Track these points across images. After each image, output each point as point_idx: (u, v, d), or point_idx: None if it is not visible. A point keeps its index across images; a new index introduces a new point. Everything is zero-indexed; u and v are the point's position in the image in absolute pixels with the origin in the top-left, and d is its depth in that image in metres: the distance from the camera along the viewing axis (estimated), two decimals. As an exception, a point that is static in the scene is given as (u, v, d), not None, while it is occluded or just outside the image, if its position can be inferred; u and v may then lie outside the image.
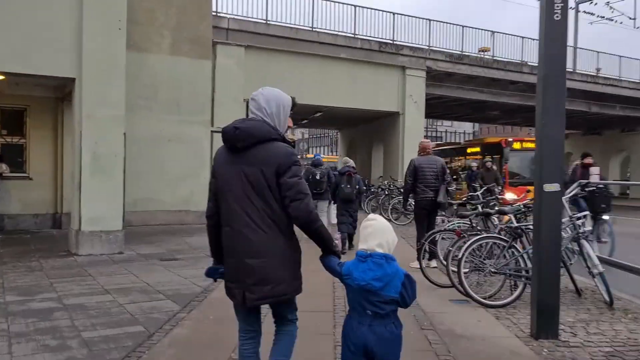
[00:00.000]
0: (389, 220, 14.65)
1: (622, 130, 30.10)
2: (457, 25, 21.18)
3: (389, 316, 2.57)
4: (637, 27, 31.61)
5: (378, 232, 2.63)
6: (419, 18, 20.28)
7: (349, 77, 18.73)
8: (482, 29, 22.03)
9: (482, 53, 21.93)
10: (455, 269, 5.88)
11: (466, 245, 5.67)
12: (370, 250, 2.58)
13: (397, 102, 19.73)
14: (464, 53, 21.21)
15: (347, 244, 9.42)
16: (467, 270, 5.79)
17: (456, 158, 24.74)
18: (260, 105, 2.86)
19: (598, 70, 24.91)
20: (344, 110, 20.01)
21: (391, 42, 19.54)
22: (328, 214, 10.86)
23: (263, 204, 2.67)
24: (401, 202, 14.58)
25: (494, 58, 22.00)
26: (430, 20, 20.46)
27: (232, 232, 2.73)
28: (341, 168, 10.23)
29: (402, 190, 15.74)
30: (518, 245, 5.87)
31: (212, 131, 14.85)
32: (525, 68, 22.55)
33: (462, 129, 77.53)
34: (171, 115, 12.86)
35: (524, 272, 5.63)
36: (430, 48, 20.28)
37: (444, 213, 8.83)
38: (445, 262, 7.49)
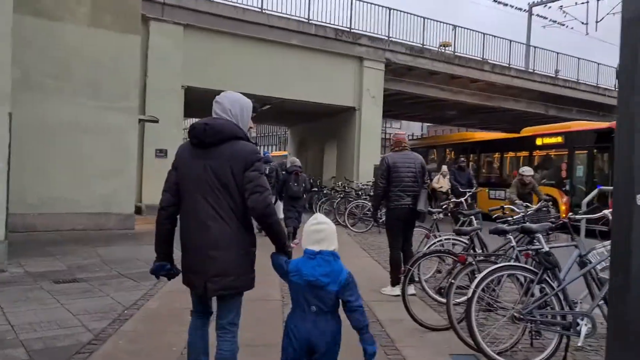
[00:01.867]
0: (345, 226, 12.95)
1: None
2: (419, 16, 19.78)
3: (331, 312, 2.71)
4: (587, 34, 31.46)
5: (330, 237, 2.83)
6: (379, 6, 18.72)
7: (301, 67, 16.94)
8: (444, 22, 20.73)
9: (443, 48, 20.62)
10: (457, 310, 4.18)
11: (479, 278, 3.93)
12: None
13: (353, 97, 18.09)
14: (425, 47, 19.80)
15: (291, 237, 9.27)
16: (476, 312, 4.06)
17: (513, 153, 18.15)
18: (225, 107, 2.99)
19: (557, 72, 24.15)
20: (295, 104, 18.18)
21: (348, 30, 17.90)
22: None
23: (228, 198, 2.82)
24: (359, 206, 12.96)
25: (456, 54, 20.73)
26: (390, 9, 18.95)
27: (196, 224, 2.83)
28: (289, 167, 10.41)
29: (359, 193, 14.14)
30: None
31: (141, 120, 12.67)
32: (487, 66, 21.44)
33: (410, 131, 77.15)
34: (89, 100, 10.63)
35: (560, 319, 3.95)
36: (390, 39, 18.77)
37: (423, 225, 7.15)
38: (431, 292, 5.89)
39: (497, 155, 18.97)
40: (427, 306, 5.77)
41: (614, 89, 26.11)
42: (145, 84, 14.14)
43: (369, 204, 12.56)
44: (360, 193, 13.86)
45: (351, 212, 12.74)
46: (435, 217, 7.32)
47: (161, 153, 14.52)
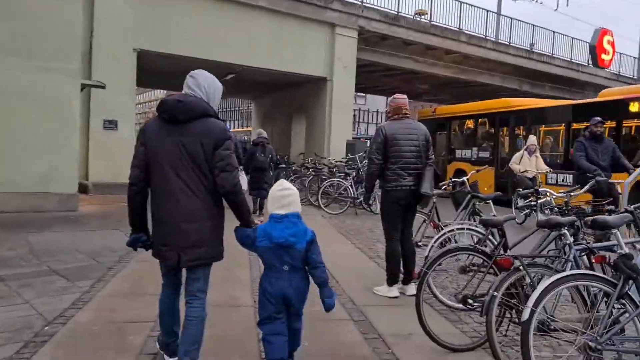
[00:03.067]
0: (317, 207, 11.75)
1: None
2: (394, -19, 18.44)
3: (302, 269, 2.98)
4: (557, 10, 30.84)
5: (295, 201, 3.02)
6: (352, -33, 17.29)
7: (269, 32, 15.48)
8: (420, -12, 19.45)
9: (419, 16, 19.42)
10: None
11: (539, 293, 2.75)
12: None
13: (324, 66, 16.76)
14: (400, 14, 18.54)
15: (258, 211, 9.55)
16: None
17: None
18: (199, 83, 3.01)
19: (532, 45, 23.34)
20: (261, 73, 16.73)
21: (319, -8, 16.47)
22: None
23: (199, 172, 2.90)
24: (333, 185, 11.76)
25: (432, 23, 19.57)
26: (364, -29, 17.57)
27: (168, 198, 2.91)
28: (255, 139, 10.47)
29: (332, 170, 12.92)
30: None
31: (85, 85, 11.05)
32: (463, 37, 20.39)
33: (374, 107, 76.06)
34: (16, 59, 8.98)
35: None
36: (364, 4, 17.41)
37: (420, 210, 6.01)
38: (445, 298, 4.75)
39: (561, 127, 14.30)
40: (436, 312, 4.64)
41: (587, 64, 25.61)
42: (91, 45, 12.45)
43: (345, 182, 11.38)
44: (334, 170, 12.63)
45: (325, 192, 11.52)
46: (434, 200, 6.15)
47: (110, 124, 12.92)
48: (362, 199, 5.19)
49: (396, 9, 18.42)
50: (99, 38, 12.57)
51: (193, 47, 14.16)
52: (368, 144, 16.36)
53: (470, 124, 17.57)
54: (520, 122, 15.42)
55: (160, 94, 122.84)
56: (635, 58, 28.86)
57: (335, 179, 11.59)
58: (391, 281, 5.07)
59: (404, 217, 5.13)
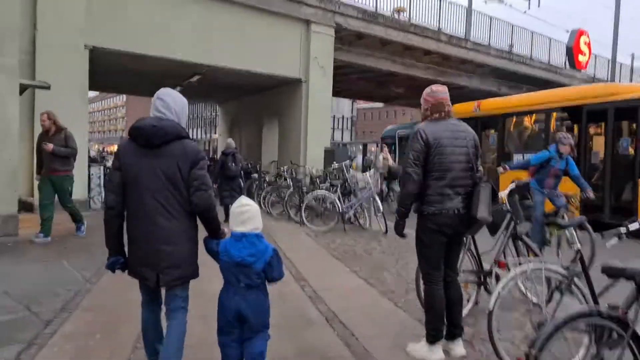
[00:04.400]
0: (299, 223, 10.38)
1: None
2: (372, -24, 17.26)
3: (258, 287, 2.98)
4: (525, 12, 30.33)
5: (255, 217, 2.99)
6: (328, -40, 16.00)
7: (238, 29, 14.05)
8: (398, -16, 18.34)
9: (397, 13, 18.30)
10: None
11: None
12: (246, 231, 2.94)
13: (299, 66, 15.42)
14: (378, 12, 17.37)
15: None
16: None
17: None
18: (169, 105, 3.04)
19: (511, 46, 22.55)
20: (229, 74, 15.25)
21: (293, -14, 15.12)
22: None
23: (178, 195, 2.95)
24: (318, 199, 10.41)
25: (411, 22, 18.46)
26: (340, -35, 16.31)
27: (146, 220, 2.94)
28: (225, 149, 10.93)
29: (314, 181, 11.55)
30: None
31: (29, 86, 9.42)
32: (443, 36, 19.39)
33: (339, 113, 75.15)
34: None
35: None
36: (341, 1, 16.13)
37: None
38: None
39: None
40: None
41: (563, 67, 25.04)
42: (34, 38, 10.77)
43: (332, 195, 10.02)
44: (316, 181, 11.25)
45: (308, 206, 10.15)
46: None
47: (59, 132, 11.22)
48: (395, 229, 3.71)
49: (374, 6, 17.21)
50: (44, 32, 10.90)
51: (154, 45, 12.61)
52: (349, 152, 15.06)
53: (538, 120, 13.56)
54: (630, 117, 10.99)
55: (120, 100, 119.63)
56: (609, 60, 28.54)
57: (321, 191, 10.22)
58: (433, 338, 3.73)
59: (448, 251, 3.81)
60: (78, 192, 11.42)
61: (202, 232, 3.16)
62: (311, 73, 15.36)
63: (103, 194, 12.54)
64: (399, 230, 3.84)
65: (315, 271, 6.53)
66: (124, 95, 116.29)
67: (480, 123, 13.84)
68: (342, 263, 7.07)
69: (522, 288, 4.70)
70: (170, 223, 2.95)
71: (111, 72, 16.02)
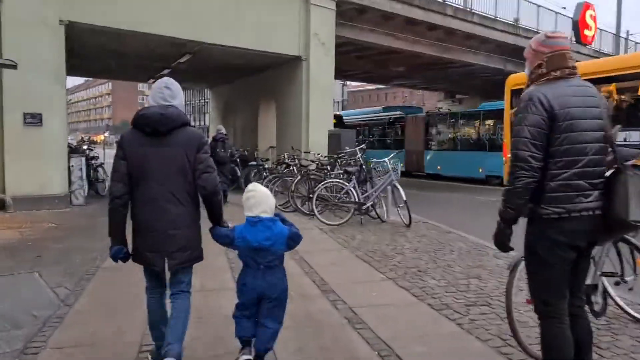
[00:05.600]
0: (310, 215, 9.23)
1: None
2: (373, -56, 15.88)
3: (277, 267, 3.10)
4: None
5: (261, 201, 3.04)
6: None
7: (231, 2, 12.71)
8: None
9: (401, -15, 16.97)
10: None
11: None
12: (257, 216, 3.01)
13: (298, 43, 14.11)
14: (381, -17, 16.06)
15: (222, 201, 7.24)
16: None
17: None
18: (174, 94, 3.11)
19: (517, 20, 21.32)
20: (223, 52, 13.92)
21: (290, -46, 13.78)
22: None
23: (183, 181, 3.02)
24: (329, 188, 9.24)
25: (415, -7, 17.16)
26: None
27: (154, 208, 2.99)
28: (215, 135, 11.48)
29: (325, 168, 10.33)
30: None
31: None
32: (449, 9, 18.12)
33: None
34: None
35: None
36: (342, -30, 14.80)
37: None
38: None
39: None
40: None
41: (570, 40, 23.86)
42: (-1, 12, 9.44)
43: (348, 184, 8.82)
44: (326, 168, 10.02)
45: (320, 196, 8.96)
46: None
47: (33, 119, 9.92)
48: (497, 241, 2.49)
49: (377, -24, 15.90)
50: (11, 4, 9.53)
51: (140, 21, 11.26)
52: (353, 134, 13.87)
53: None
54: None
55: (106, 87, 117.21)
56: (613, 35, 27.46)
57: (335, 180, 9.02)
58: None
59: (575, 270, 2.64)
60: (57, 186, 10.17)
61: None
62: (312, 50, 14.07)
63: (86, 187, 11.28)
64: (504, 242, 2.66)
65: (344, 280, 5.37)
66: (110, 83, 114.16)
67: None
68: (372, 267, 5.91)
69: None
70: (178, 208, 3.01)
71: (92, 53, 14.61)
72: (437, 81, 27.77)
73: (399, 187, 8.60)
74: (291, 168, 11.21)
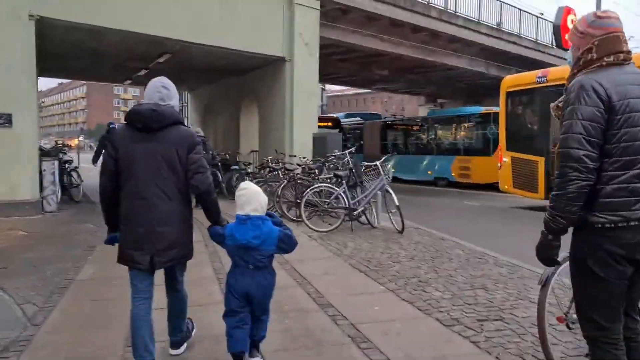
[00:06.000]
0: (297, 221, 8.82)
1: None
2: (357, -57, 15.58)
3: (266, 267, 3.08)
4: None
5: (252, 199, 3.03)
6: None
7: (214, 0, 12.25)
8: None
9: (386, -13, 16.70)
10: None
11: None
12: (247, 214, 3.00)
13: (282, 44, 13.70)
14: (365, -17, 15.75)
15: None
16: None
17: None
18: (171, 94, 3.17)
19: (499, 24, 21.25)
20: (203, 52, 13.46)
21: (273, -47, 13.37)
22: None
23: (174, 178, 3.03)
24: (317, 192, 8.86)
25: (400, -5, 16.90)
26: None
27: (143, 203, 2.99)
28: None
29: (313, 172, 9.91)
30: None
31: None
32: (433, 12, 17.92)
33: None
34: None
35: None
36: (325, -31, 14.45)
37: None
38: None
39: None
40: None
41: (551, 45, 23.92)
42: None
43: (337, 189, 8.43)
44: (314, 172, 9.61)
45: (308, 202, 8.54)
46: None
47: (2, 119, 9.32)
48: (542, 255, 2.12)
49: (361, -23, 15.59)
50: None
51: (116, 17, 10.74)
52: (336, 137, 13.49)
53: None
54: None
55: (81, 91, 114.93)
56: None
57: (324, 185, 8.62)
58: None
59: (630, 287, 2.27)
60: (27, 192, 9.57)
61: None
62: (296, 51, 13.67)
63: (59, 193, 10.70)
64: (550, 256, 2.29)
65: (341, 291, 4.97)
66: (84, 86, 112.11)
67: (548, 96, 10.58)
68: (369, 277, 5.51)
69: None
70: (167, 205, 3.00)
71: (67, 52, 13.97)
72: (419, 85, 27.57)
73: (391, 191, 8.25)
74: (276, 172, 10.79)
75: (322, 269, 5.87)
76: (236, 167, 13.46)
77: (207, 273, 5.61)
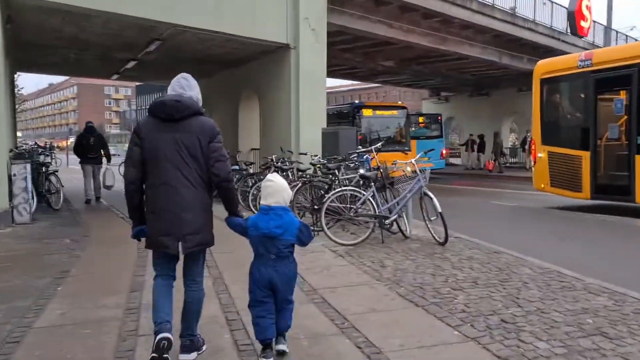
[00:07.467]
0: (316, 230, 7.37)
1: (519, 89, 25.85)
2: None
3: (287, 257, 3.19)
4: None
5: (276, 193, 3.18)
6: None
7: (208, -22, 10.78)
8: None
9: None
10: None
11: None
12: (272, 204, 3.14)
13: (286, 29, 12.22)
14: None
15: None
16: None
17: None
18: (191, 85, 3.32)
19: (514, 9, 19.84)
20: (198, 40, 12.02)
21: None
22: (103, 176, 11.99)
23: (196, 165, 3.16)
24: (341, 198, 7.44)
25: (411, -25, 15.46)
26: None
27: (168, 190, 3.12)
28: None
29: (332, 173, 8.42)
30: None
31: None
32: (448, -6, 16.45)
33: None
34: None
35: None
36: (333, -55, 13.00)
37: None
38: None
39: None
40: None
41: (566, 32, 22.57)
42: None
43: (365, 193, 6.98)
44: (334, 173, 8.10)
45: (330, 209, 7.10)
46: None
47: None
48: None
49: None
50: None
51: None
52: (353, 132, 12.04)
53: None
54: None
55: (71, 92, 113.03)
56: (604, 27, 26.27)
57: (350, 188, 7.16)
58: None
59: None
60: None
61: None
62: (301, 37, 12.20)
63: (34, 201, 9.22)
64: None
65: (405, 343, 3.54)
66: (75, 87, 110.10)
67: (593, 82, 10.04)
68: (432, 316, 4.07)
69: None
70: (190, 191, 3.13)
71: (43, 41, 12.45)
72: (424, 77, 26.22)
73: (430, 195, 6.79)
74: (286, 173, 9.35)
75: (365, 303, 4.43)
76: (236, 167, 11.93)
77: (212, 310, 4.16)
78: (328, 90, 50.04)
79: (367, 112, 17.53)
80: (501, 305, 4.26)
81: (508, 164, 26.94)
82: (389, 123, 18.24)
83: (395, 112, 18.58)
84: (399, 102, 22.54)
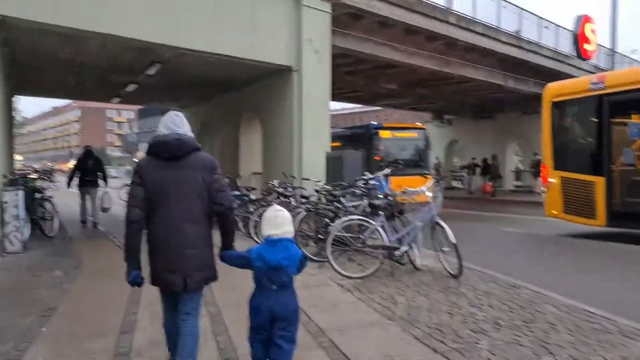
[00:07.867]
0: (321, 261, 6.96)
1: (524, 112, 25.57)
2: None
3: (288, 286, 3.15)
4: None
5: (287, 221, 3.20)
6: None
7: (210, 0, 10.55)
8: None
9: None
10: None
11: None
12: (279, 235, 3.12)
13: (288, 51, 11.95)
14: (379, -15, 14.12)
15: None
16: None
17: None
18: (184, 122, 3.37)
19: (518, 32, 19.67)
20: (199, 62, 11.72)
21: (278, -52, 11.72)
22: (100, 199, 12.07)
23: (200, 202, 3.22)
24: (348, 226, 7.04)
25: (417, -1, 15.28)
26: None
27: (172, 228, 3.17)
28: None
29: (340, 197, 8.04)
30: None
31: None
32: (452, 18, 16.28)
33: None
34: None
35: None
36: (336, -32, 12.80)
37: None
38: None
39: None
40: None
41: (570, 55, 22.40)
42: None
43: (374, 222, 6.58)
44: (339, 200, 7.72)
45: (337, 239, 6.68)
46: None
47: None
48: None
49: (375, -22, 13.95)
50: None
51: (95, 16, 8.97)
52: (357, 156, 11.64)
53: None
54: None
55: (74, 115, 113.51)
56: (609, 49, 26.11)
57: (356, 218, 6.76)
58: None
59: None
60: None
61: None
62: (304, 59, 11.93)
63: (27, 229, 8.84)
64: None
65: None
66: (78, 110, 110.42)
67: (607, 105, 9.72)
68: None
69: None
70: (194, 228, 3.18)
71: (41, 64, 12.20)
72: (427, 100, 25.98)
73: (443, 224, 6.41)
74: (288, 199, 8.97)
75: (378, 347, 4.01)
76: (237, 192, 11.51)
77: (208, 356, 3.74)
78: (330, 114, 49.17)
79: (385, 134, 16.61)
80: (531, 352, 3.84)
81: (513, 188, 26.57)
82: (408, 145, 17.43)
83: (415, 134, 17.79)
84: (418, 124, 22.11)
